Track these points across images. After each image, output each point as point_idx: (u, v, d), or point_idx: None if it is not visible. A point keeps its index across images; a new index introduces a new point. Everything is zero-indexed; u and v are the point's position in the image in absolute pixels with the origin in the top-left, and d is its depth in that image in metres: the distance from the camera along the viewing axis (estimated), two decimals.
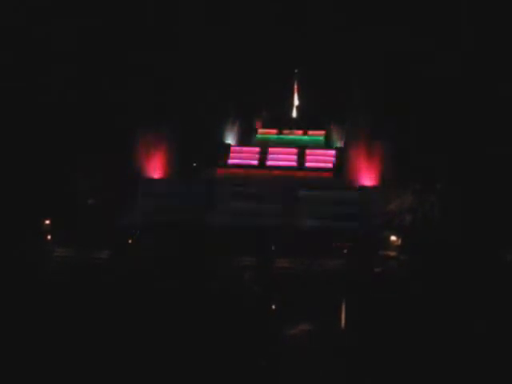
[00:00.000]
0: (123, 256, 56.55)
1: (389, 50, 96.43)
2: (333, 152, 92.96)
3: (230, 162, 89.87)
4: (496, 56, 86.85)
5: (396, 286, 48.69)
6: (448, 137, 77.96)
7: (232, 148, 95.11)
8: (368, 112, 79.26)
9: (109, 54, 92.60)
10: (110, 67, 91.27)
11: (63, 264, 56.50)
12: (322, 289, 47.28)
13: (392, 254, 54.97)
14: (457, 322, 38.31)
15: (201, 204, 68.34)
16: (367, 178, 74.79)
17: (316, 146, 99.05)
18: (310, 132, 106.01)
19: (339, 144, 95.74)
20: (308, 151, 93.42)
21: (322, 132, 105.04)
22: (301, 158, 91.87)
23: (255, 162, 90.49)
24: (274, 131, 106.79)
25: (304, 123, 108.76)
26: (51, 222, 61.43)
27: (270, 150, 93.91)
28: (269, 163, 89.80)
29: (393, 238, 57.22)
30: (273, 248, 53.70)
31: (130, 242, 59.64)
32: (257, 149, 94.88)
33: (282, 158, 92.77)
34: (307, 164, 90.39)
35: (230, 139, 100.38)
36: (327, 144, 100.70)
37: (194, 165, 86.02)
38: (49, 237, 60.74)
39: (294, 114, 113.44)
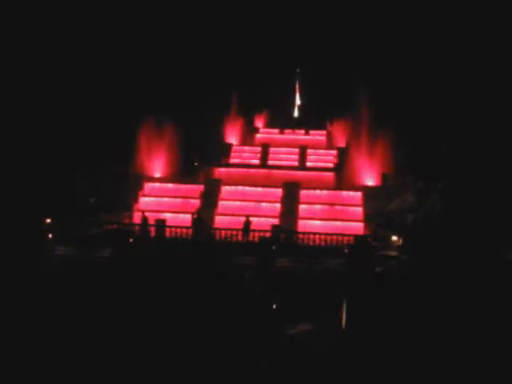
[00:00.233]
0: (124, 255, 56.37)
1: (389, 50, 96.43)
2: (334, 152, 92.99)
3: (231, 161, 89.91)
4: (496, 56, 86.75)
5: (397, 285, 48.42)
6: (448, 137, 77.98)
7: (233, 147, 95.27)
8: (370, 111, 79.21)
9: (109, 54, 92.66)
10: (110, 67, 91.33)
11: (64, 262, 56.35)
12: (322, 288, 47.02)
13: (393, 253, 54.74)
14: (457, 322, 38.10)
15: (201, 204, 68.25)
16: (369, 178, 74.79)
17: (317, 145, 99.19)
18: (312, 131, 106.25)
19: (341, 144, 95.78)
20: (309, 151, 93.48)
21: (324, 131, 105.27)
22: (302, 157, 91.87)
23: (256, 162, 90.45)
24: (276, 130, 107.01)
25: (306, 123, 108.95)
26: (52, 220, 61.27)
27: (272, 149, 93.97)
28: (270, 163, 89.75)
29: (394, 237, 56.97)
30: (273, 248, 53.54)
31: (131, 240, 59.42)
32: (258, 148, 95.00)
33: (284, 157, 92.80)
34: (309, 163, 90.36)
35: (232, 139, 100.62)
36: (329, 144, 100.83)
37: (195, 164, 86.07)
38: (50, 235, 60.58)
39: (296, 113, 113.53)
